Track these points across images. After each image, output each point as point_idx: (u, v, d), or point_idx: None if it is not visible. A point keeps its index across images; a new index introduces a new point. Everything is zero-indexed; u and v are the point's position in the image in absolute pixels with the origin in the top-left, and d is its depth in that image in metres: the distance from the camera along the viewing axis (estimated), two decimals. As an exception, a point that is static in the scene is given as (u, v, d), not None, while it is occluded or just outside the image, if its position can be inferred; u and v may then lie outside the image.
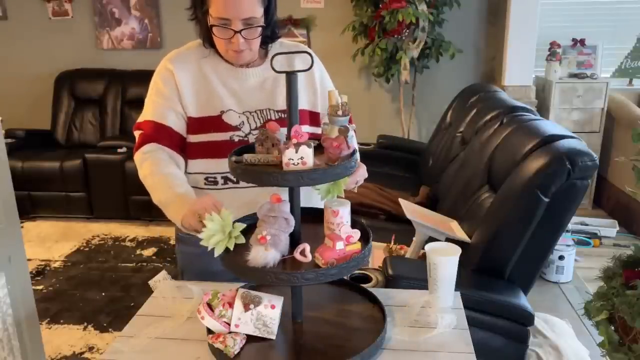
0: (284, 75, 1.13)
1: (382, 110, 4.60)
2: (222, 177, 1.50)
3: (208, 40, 1.46)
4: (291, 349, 1.18)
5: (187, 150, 1.52)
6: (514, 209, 1.92)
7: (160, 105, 1.49)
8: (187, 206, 1.30)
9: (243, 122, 1.49)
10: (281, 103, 1.50)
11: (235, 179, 1.50)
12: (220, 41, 1.41)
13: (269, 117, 1.49)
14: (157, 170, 1.44)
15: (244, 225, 1.14)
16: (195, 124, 1.49)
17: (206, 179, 1.52)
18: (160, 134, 1.48)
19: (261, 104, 1.50)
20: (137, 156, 1.48)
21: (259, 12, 1.38)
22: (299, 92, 1.51)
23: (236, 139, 1.48)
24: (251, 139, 1.47)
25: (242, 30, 1.37)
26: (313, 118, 1.56)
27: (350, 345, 1.14)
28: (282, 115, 1.49)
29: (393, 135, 4.22)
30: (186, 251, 1.63)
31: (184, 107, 1.49)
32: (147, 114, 1.51)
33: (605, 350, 1.58)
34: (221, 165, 1.46)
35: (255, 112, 1.49)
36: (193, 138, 1.50)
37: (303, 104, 1.53)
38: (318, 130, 1.52)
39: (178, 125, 1.49)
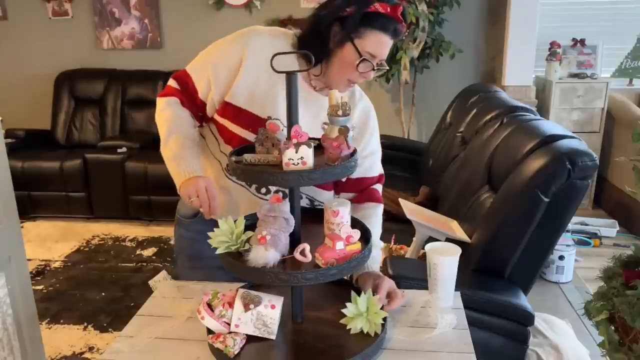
0: (317, 108, 1.15)
1: (382, 110, 4.59)
2: None
3: (315, 59, 1.31)
4: (291, 349, 1.18)
5: (222, 132, 1.48)
6: (514, 209, 1.92)
7: (206, 75, 1.44)
8: (187, 177, 1.33)
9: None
10: (319, 134, 1.35)
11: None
12: (352, 72, 1.38)
13: None
14: (176, 121, 1.44)
15: (252, 233, 1.15)
16: (236, 113, 1.43)
17: (227, 166, 1.49)
18: (189, 97, 1.46)
19: (305, 126, 1.35)
20: (161, 102, 1.48)
21: None
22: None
23: None
24: None
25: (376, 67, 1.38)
26: None
27: (350, 345, 1.14)
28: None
29: (393, 135, 4.22)
30: (181, 234, 1.65)
31: (230, 93, 1.43)
32: (195, 68, 1.47)
33: (605, 350, 1.58)
34: None
35: None
36: (229, 125, 1.45)
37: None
38: None
39: (204, 96, 1.46)
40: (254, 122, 1.42)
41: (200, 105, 1.48)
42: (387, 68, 1.42)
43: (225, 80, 1.42)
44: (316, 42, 1.37)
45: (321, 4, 1.42)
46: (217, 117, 1.48)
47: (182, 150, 1.40)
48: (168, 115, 1.45)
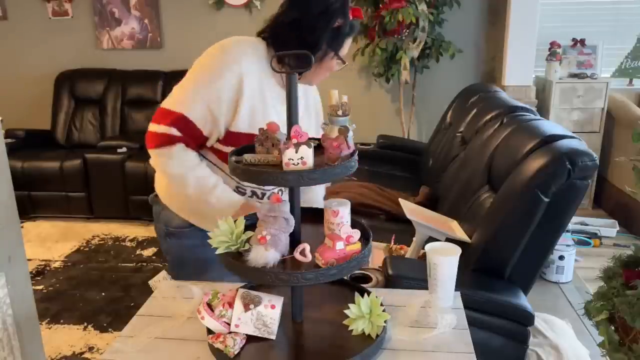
0: (312, 105, 1.18)
1: (382, 110, 4.60)
2: (250, 190, 1.56)
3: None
4: (291, 349, 1.18)
5: (224, 157, 1.48)
6: (514, 209, 1.92)
7: (209, 115, 1.42)
8: (238, 206, 1.46)
9: None
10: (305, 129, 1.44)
11: (260, 195, 1.56)
12: (328, 72, 1.51)
13: None
14: (194, 169, 1.46)
15: (252, 233, 1.15)
16: (239, 138, 1.44)
17: (237, 187, 1.55)
18: (190, 135, 1.43)
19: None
20: (163, 156, 1.44)
21: None
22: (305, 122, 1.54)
23: None
24: None
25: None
26: None
27: (350, 345, 1.14)
28: None
29: (393, 135, 4.22)
30: (180, 244, 1.65)
31: (233, 124, 1.44)
32: (193, 110, 1.41)
33: (605, 350, 1.58)
34: None
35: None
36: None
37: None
38: None
39: (209, 133, 1.46)
40: None
41: (204, 140, 1.48)
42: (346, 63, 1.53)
43: (229, 115, 1.43)
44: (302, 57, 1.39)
45: (294, 14, 1.42)
46: (218, 146, 1.49)
47: (214, 188, 1.46)
48: (181, 167, 1.45)
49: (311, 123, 1.63)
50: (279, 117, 1.41)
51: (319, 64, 1.45)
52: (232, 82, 1.41)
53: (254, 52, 1.45)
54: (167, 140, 1.43)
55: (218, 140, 1.48)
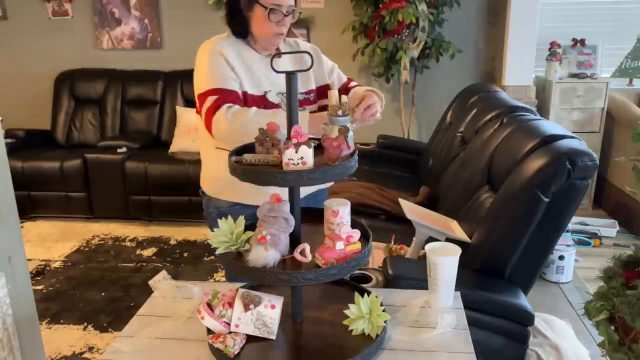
0: (301, 59, 1.42)
1: (382, 110, 4.59)
2: None
3: (243, 31, 1.67)
4: (291, 349, 1.19)
5: None
6: (514, 209, 1.92)
7: (221, 74, 1.61)
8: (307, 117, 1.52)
9: (281, 100, 1.67)
10: (301, 86, 1.68)
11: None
12: (269, 25, 1.62)
13: None
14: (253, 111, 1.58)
15: (252, 233, 1.15)
16: (249, 100, 1.63)
17: None
18: (231, 97, 1.60)
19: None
20: (220, 114, 1.55)
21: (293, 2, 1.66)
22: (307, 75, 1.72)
23: None
24: None
25: (287, 15, 1.62)
26: (322, 91, 1.77)
27: (350, 345, 1.14)
28: (304, 96, 1.74)
29: (393, 135, 4.22)
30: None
31: (240, 79, 1.64)
32: (210, 82, 1.61)
33: (605, 350, 1.58)
34: None
35: (284, 93, 1.62)
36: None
37: (311, 84, 1.76)
38: (326, 102, 1.71)
39: (239, 88, 1.64)
40: (260, 101, 1.65)
41: (240, 97, 1.64)
42: (299, 12, 1.69)
43: (237, 78, 1.64)
44: (236, 19, 1.66)
45: None
46: None
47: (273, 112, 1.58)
48: (238, 111, 1.59)
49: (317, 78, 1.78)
50: (264, 77, 1.66)
51: (252, 19, 1.63)
52: (219, 55, 1.64)
53: (222, 40, 1.70)
54: (214, 106, 1.58)
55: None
